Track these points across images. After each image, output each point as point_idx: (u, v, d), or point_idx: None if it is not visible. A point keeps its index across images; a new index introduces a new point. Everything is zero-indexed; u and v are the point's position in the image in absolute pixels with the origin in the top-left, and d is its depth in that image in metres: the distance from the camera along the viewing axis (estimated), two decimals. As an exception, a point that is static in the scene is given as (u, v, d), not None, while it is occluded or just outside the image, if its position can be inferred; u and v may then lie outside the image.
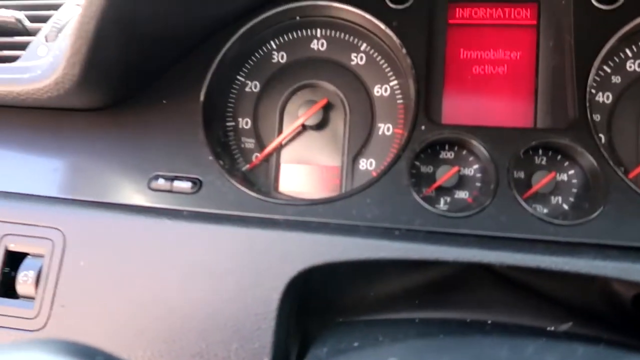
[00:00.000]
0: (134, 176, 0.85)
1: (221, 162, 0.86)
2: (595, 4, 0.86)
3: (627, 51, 0.89)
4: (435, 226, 0.75)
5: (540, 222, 0.74)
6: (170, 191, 0.82)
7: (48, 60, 0.82)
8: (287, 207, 0.79)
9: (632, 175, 0.84)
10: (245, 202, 0.81)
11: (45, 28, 0.90)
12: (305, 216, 0.79)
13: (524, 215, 0.75)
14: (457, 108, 0.93)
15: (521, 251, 0.69)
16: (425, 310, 0.85)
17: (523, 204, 0.76)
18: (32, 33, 0.93)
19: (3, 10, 0.93)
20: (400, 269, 0.88)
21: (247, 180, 0.95)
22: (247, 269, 0.73)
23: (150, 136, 0.88)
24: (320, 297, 0.87)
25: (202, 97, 0.91)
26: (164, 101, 0.91)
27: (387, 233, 0.73)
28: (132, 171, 0.85)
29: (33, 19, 0.96)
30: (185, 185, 0.82)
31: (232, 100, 0.99)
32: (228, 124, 0.99)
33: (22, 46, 0.90)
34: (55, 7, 0.96)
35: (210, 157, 0.85)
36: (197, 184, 0.83)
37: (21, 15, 0.94)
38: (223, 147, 0.93)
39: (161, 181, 0.83)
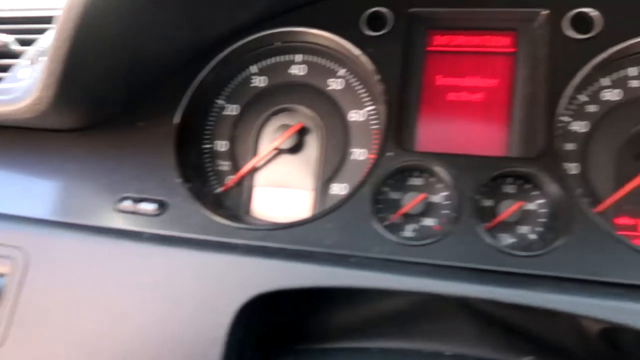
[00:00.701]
0: (102, 197, 0.87)
1: (189, 185, 0.87)
2: (570, 33, 0.85)
3: (603, 80, 0.88)
4: (392, 254, 0.75)
5: (499, 253, 0.73)
6: (134, 213, 0.84)
7: (28, 82, 0.85)
8: (248, 231, 0.80)
9: (600, 208, 0.82)
10: (207, 226, 0.82)
11: (29, 51, 0.93)
12: (264, 241, 0.79)
13: (483, 245, 0.74)
14: (432, 135, 0.93)
15: (476, 282, 0.68)
16: (387, 340, 0.83)
17: (482, 234, 0.75)
18: (19, 56, 0.97)
19: (-7, 33, 0.97)
20: (365, 296, 0.87)
21: (220, 203, 0.96)
22: (201, 293, 0.73)
23: (123, 158, 0.90)
24: (283, 323, 0.86)
25: (176, 120, 0.92)
26: (140, 123, 0.93)
27: (343, 260, 0.73)
28: (101, 192, 0.87)
29: (23, 43, 1.00)
30: (150, 207, 0.83)
31: (211, 123, 1.01)
32: (205, 146, 1.00)
33: (9, 68, 0.94)
34: (43, 31, 0.99)
35: (178, 180, 0.86)
36: (162, 206, 0.85)
37: (10, 38, 0.97)
38: (195, 169, 0.94)
39: (127, 203, 0.84)
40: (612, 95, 0.87)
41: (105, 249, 0.78)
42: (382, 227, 0.78)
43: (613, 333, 0.78)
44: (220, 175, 0.99)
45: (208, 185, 0.96)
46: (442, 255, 0.74)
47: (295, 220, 0.82)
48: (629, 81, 0.87)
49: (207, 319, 0.71)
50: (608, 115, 0.87)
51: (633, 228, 0.84)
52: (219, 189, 0.98)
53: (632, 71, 0.87)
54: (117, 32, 0.79)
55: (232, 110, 1.01)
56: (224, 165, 0.99)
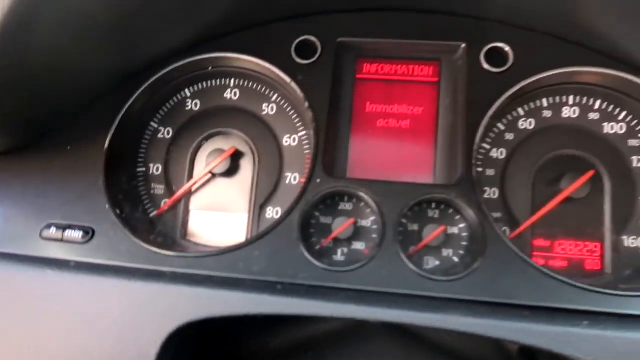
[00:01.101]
0: (28, 224, 0.84)
1: (118, 211, 0.86)
2: (486, 66, 0.90)
3: (520, 110, 0.93)
4: (318, 280, 0.77)
5: (420, 278, 0.76)
6: (61, 240, 0.82)
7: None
8: (176, 259, 0.80)
9: (517, 231, 0.87)
10: (136, 253, 0.81)
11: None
12: (193, 269, 0.79)
13: (405, 270, 0.77)
14: (363, 161, 0.96)
15: (397, 307, 0.71)
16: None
17: (404, 258, 0.78)
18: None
19: None
20: (298, 319, 0.89)
21: (154, 227, 0.95)
22: (128, 323, 0.72)
23: (51, 183, 0.88)
24: (216, 349, 0.87)
25: (106, 144, 0.91)
26: (69, 147, 0.91)
27: (269, 287, 0.74)
28: (27, 219, 0.85)
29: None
30: (77, 234, 0.82)
31: (145, 146, 1.00)
32: (139, 169, 0.99)
33: None
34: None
35: (107, 206, 0.85)
36: (90, 233, 0.83)
37: None
38: (126, 194, 0.93)
39: (53, 230, 0.82)
40: (527, 124, 0.93)
41: (30, 278, 0.76)
42: (309, 253, 0.80)
43: (531, 350, 0.83)
44: (154, 199, 0.98)
45: (141, 210, 0.95)
46: (366, 281, 0.77)
47: (224, 247, 0.82)
48: (542, 111, 0.93)
49: (134, 349, 0.70)
50: (523, 143, 0.93)
51: (549, 249, 0.90)
52: (154, 213, 0.97)
53: (544, 102, 0.93)
54: (37, 61, 0.77)
55: (166, 133, 1.01)
56: (159, 188, 0.99)
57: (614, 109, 0.92)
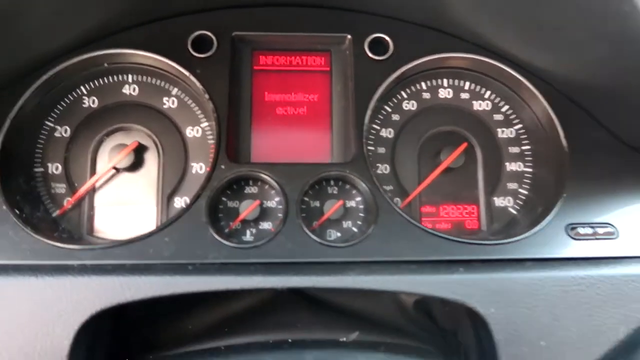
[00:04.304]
0: None
1: (17, 211, 0.84)
2: (370, 55, 1.00)
3: (403, 93, 1.04)
4: (228, 258, 0.81)
5: (321, 246, 0.84)
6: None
7: None
8: (84, 252, 0.80)
9: (407, 200, 0.97)
10: (40, 251, 0.80)
11: None
12: (101, 259, 0.80)
13: (308, 241, 0.84)
14: (265, 147, 1.02)
15: (300, 274, 0.77)
16: (237, 337, 0.89)
17: (306, 230, 0.85)
18: None
19: None
20: (214, 299, 0.93)
21: (57, 226, 0.94)
22: (37, 319, 0.72)
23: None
24: (139, 334, 0.88)
25: (-1, 146, 0.89)
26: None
27: (181, 269, 0.78)
28: None
29: None
30: (-25, 237, 0.80)
31: (41, 146, 0.98)
32: (36, 170, 0.97)
33: None
34: None
35: (4, 207, 0.83)
36: (-11, 235, 0.81)
37: None
38: (25, 194, 0.91)
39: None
40: (409, 105, 1.04)
41: None
42: (217, 235, 0.84)
43: (425, 304, 0.94)
44: (55, 199, 0.97)
45: (42, 210, 0.93)
46: (273, 254, 0.83)
47: (132, 237, 0.84)
48: (422, 93, 1.05)
49: (47, 343, 0.70)
50: (408, 122, 1.03)
51: (435, 214, 1.01)
52: (56, 212, 0.96)
53: (423, 85, 1.05)
54: None
55: (64, 132, 0.99)
56: (59, 187, 0.97)
57: (480, 89, 1.05)
